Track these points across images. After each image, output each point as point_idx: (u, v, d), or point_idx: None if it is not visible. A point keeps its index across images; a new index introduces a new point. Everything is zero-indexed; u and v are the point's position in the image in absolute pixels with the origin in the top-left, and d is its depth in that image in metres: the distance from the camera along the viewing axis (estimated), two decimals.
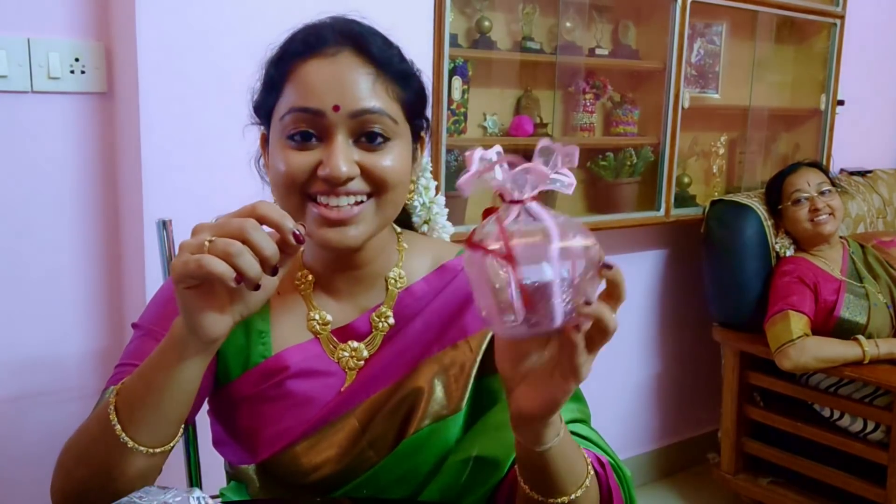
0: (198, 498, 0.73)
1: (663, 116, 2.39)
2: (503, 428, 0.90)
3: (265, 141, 0.95)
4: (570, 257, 0.66)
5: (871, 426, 2.07)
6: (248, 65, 1.73)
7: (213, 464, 1.33)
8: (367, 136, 0.86)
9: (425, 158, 1.03)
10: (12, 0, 1.50)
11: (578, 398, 0.97)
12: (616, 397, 2.56)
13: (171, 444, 0.80)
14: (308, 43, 0.88)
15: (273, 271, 0.72)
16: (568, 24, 2.25)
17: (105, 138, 1.62)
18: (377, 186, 0.87)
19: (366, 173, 0.86)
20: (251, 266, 0.70)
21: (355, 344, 0.96)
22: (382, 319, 0.96)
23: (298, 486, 0.94)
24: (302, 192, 0.87)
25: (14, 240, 1.55)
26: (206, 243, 0.70)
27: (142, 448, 0.77)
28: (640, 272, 2.58)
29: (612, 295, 0.68)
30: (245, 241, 0.70)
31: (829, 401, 2.15)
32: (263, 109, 0.93)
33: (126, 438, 0.77)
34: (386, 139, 0.87)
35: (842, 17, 2.82)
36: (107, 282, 1.66)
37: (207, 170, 1.59)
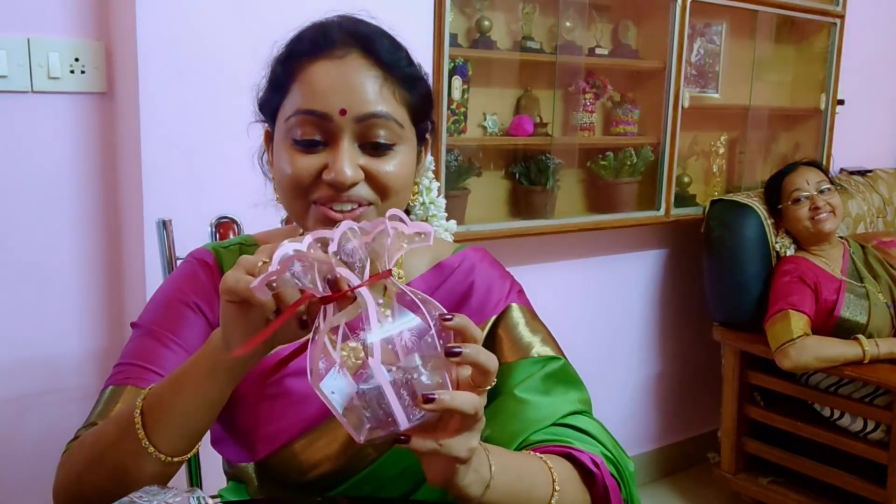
0: (198, 498, 0.73)
1: (663, 116, 2.39)
2: (501, 415, 0.92)
3: (269, 138, 0.95)
4: (404, 352, 0.63)
5: (871, 426, 2.07)
6: (248, 64, 1.72)
7: (213, 464, 1.33)
8: (373, 141, 0.86)
9: (429, 159, 1.03)
10: (12, 0, 1.50)
11: (577, 386, 0.97)
12: (616, 397, 2.56)
13: (188, 456, 0.81)
14: (316, 43, 0.87)
15: (302, 324, 0.70)
16: (568, 24, 2.25)
17: (105, 138, 1.62)
18: (381, 193, 0.87)
19: (370, 178, 0.86)
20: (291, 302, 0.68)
21: (353, 343, 0.96)
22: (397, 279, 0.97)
23: (297, 484, 0.95)
24: (306, 195, 0.87)
25: (14, 239, 1.55)
26: (260, 264, 0.69)
27: (161, 455, 0.77)
28: (640, 272, 2.58)
29: (468, 338, 0.66)
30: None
31: (829, 400, 2.15)
32: (268, 108, 0.92)
33: (147, 444, 0.77)
34: (391, 144, 0.87)
35: (842, 17, 2.82)
36: (107, 282, 1.66)
37: (207, 170, 1.59)
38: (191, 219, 1.39)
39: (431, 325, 0.64)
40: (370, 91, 0.85)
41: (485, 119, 2.18)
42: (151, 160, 1.54)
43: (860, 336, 2.07)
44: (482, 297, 0.99)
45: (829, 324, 2.14)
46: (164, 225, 1.30)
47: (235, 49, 1.59)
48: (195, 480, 1.27)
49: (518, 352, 0.97)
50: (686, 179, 2.63)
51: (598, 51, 2.34)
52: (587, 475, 0.85)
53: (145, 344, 0.93)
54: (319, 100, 0.84)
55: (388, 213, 0.67)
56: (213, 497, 0.74)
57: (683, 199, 2.58)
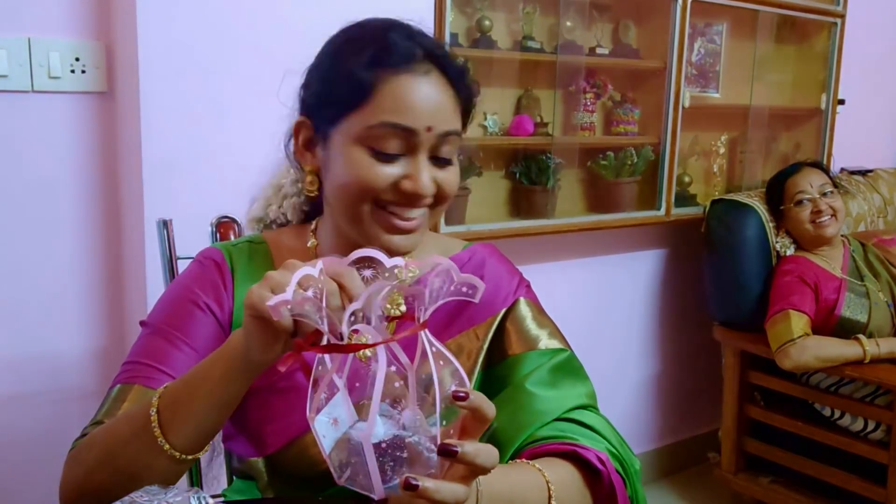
0: (198, 498, 0.73)
1: (664, 116, 2.39)
2: (509, 406, 0.93)
3: (304, 130, 0.96)
4: (400, 420, 0.62)
5: (871, 425, 2.07)
6: (248, 64, 1.73)
7: (213, 464, 1.33)
8: (440, 156, 0.91)
9: None
10: (13, 0, 1.50)
11: (583, 379, 0.99)
12: (616, 396, 2.56)
13: (199, 454, 0.82)
14: (402, 56, 0.89)
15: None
16: (568, 24, 2.25)
17: (105, 138, 1.62)
18: (440, 199, 0.93)
19: (438, 188, 0.91)
20: (309, 329, 0.69)
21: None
22: (395, 307, 0.98)
23: (307, 478, 0.95)
24: (374, 199, 0.90)
25: (14, 239, 1.56)
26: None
27: (175, 453, 0.79)
28: (641, 272, 2.58)
29: (478, 418, 0.65)
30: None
31: (829, 400, 2.15)
32: (332, 107, 0.91)
33: (163, 441, 0.79)
34: (449, 159, 0.92)
35: (842, 17, 2.82)
36: (107, 281, 1.66)
37: (208, 169, 1.59)
38: (191, 219, 1.39)
39: (437, 405, 0.62)
40: (449, 109, 0.91)
41: (485, 119, 2.18)
42: (152, 160, 1.54)
43: (860, 336, 2.07)
44: (491, 291, 1.01)
45: (829, 323, 2.14)
46: (165, 225, 1.30)
47: (236, 49, 1.59)
48: (195, 480, 1.27)
49: (525, 344, 0.99)
50: (686, 179, 2.63)
51: (598, 50, 2.34)
52: (592, 473, 0.85)
53: (154, 343, 0.94)
54: (409, 115, 0.87)
55: (438, 265, 0.66)
56: (213, 497, 0.74)
57: (684, 198, 2.58)
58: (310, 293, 0.65)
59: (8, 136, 1.52)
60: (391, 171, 0.88)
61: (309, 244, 1.01)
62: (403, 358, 0.65)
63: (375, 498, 0.62)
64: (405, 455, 0.62)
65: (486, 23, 2.10)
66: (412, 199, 0.89)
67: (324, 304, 0.65)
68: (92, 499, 0.83)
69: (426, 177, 0.88)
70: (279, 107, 1.58)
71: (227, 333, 0.97)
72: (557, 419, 0.92)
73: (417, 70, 0.89)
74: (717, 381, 2.45)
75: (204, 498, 0.73)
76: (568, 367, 0.98)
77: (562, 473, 0.83)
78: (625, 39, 2.42)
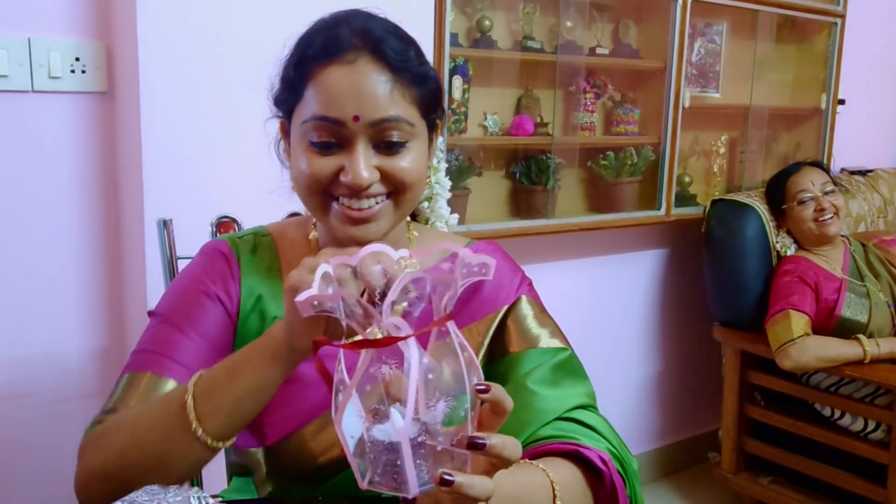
0: (198, 498, 0.73)
1: (664, 116, 2.39)
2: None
3: (285, 130, 0.98)
4: (429, 398, 0.62)
5: (871, 425, 2.07)
6: (248, 64, 1.73)
7: (214, 464, 1.33)
8: (387, 142, 0.89)
9: (439, 139, 1.05)
10: (13, 0, 1.50)
11: (584, 379, 0.99)
12: (616, 396, 2.56)
13: (229, 443, 0.82)
14: (326, 47, 0.89)
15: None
16: (568, 24, 2.25)
17: (105, 138, 1.62)
18: (396, 187, 0.91)
19: (385, 176, 0.90)
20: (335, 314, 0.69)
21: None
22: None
23: (305, 471, 0.95)
24: (324, 192, 0.91)
25: (14, 239, 1.56)
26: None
27: (207, 439, 0.79)
28: (641, 272, 2.58)
29: (498, 412, 0.66)
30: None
31: (829, 400, 2.15)
32: (283, 106, 0.96)
33: (197, 426, 0.79)
34: (404, 142, 0.90)
35: (842, 17, 2.82)
36: (107, 281, 1.66)
37: (208, 169, 1.59)
38: (191, 218, 1.39)
39: (467, 388, 0.63)
40: (381, 96, 0.88)
41: (485, 119, 2.18)
42: (152, 160, 1.54)
43: (861, 336, 2.07)
44: (494, 288, 1.01)
45: (829, 323, 2.14)
46: (165, 224, 1.30)
47: (236, 49, 1.59)
48: (195, 480, 1.27)
49: (526, 342, 0.99)
50: (687, 179, 2.63)
51: (598, 50, 2.34)
52: (593, 473, 0.86)
53: (163, 332, 0.94)
54: (333, 107, 0.87)
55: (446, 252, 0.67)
56: (213, 496, 0.74)
57: (684, 198, 2.58)
58: (331, 290, 0.65)
59: (8, 136, 1.52)
60: (330, 163, 0.89)
61: (311, 236, 1.03)
62: (424, 358, 0.64)
63: (409, 497, 0.61)
64: (429, 453, 0.62)
65: (487, 23, 2.10)
66: (354, 190, 0.88)
67: (343, 299, 0.64)
68: (115, 483, 0.82)
69: (360, 167, 0.87)
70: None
71: (234, 323, 0.98)
72: (558, 418, 0.92)
73: (344, 60, 0.87)
74: (718, 381, 2.45)
75: (204, 498, 0.73)
76: (569, 367, 0.98)
77: (565, 473, 0.83)
78: (625, 39, 2.42)
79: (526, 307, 1.02)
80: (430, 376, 0.63)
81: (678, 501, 2.59)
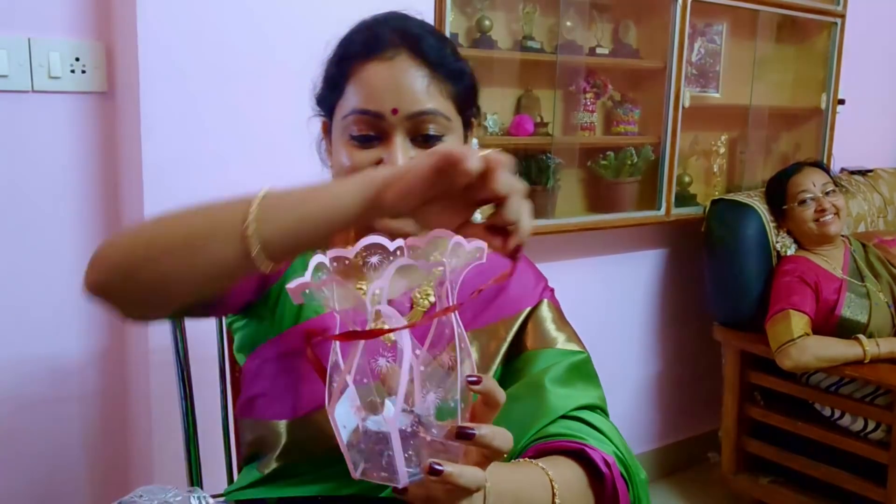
0: (198, 498, 0.73)
1: (664, 115, 2.39)
2: (524, 400, 0.95)
3: (327, 129, 1.02)
4: (422, 388, 0.63)
5: (871, 425, 2.07)
6: (248, 64, 1.73)
7: (214, 464, 1.33)
8: (423, 135, 0.92)
9: (473, 142, 1.09)
10: (13, 0, 1.50)
11: (597, 384, 1.01)
12: (616, 396, 2.56)
13: (263, 266, 0.75)
14: (367, 45, 0.93)
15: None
16: (568, 24, 2.25)
17: (105, 138, 1.62)
18: None
19: None
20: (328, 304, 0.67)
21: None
22: (424, 297, 1.00)
23: (324, 450, 0.94)
24: None
25: (14, 239, 1.55)
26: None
27: (253, 241, 0.73)
28: (641, 271, 2.58)
29: (490, 404, 0.67)
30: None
31: (829, 400, 2.15)
32: (325, 104, 0.99)
33: (251, 222, 0.73)
34: (440, 136, 0.93)
35: (842, 17, 2.82)
36: None
37: (208, 170, 1.59)
38: None
39: (459, 382, 0.63)
40: (419, 90, 0.91)
41: (485, 119, 2.18)
42: (152, 160, 1.54)
43: (861, 336, 2.07)
44: (518, 290, 1.04)
45: (829, 323, 2.14)
46: None
47: (236, 49, 1.59)
48: (195, 480, 1.28)
49: (543, 342, 1.02)
50: (687, 179, 2.63)
51: (598, 50, 2.34)
52: (597, 475, 0.86)
53: None
54: (373, 100, 0.90)
55: (452, 241, 0.67)
56: (213, 496, 0.74)
57: (684, 198, 2.58)
58: (325, 277, 0.64)
59: (8, 136, 1.52)
60: (369, 156, 0.92)
61: None
62: (417, 349, 0.66)
63: (399, 486, 0.62)
64: (421, 444, 0.62)
65: (487, 23, 2.10)
66: None
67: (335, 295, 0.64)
68: (127, 272, 0.79)
69: (399, 158, 0.90)
70: (279, 106, 1.59)
71: (265, 289, 0.99)
72: (566, 416, 0.93)
73: (383, 56, 0.91)
74: (717, 381, 2.45)
75: (204, 498, 0.73)
76: (584, 370, 1.01)
77: (566, 473, 0.84)
78: (625, 39, 2.42)
79: (546, 311, 1.05)
80: (423, 368, 0.64)
81: (678, 501, 2.59)
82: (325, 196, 0.74)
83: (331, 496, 0.96)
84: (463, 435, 0.63)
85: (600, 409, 0.98)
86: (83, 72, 1.56)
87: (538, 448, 0.88)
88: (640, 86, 2.46)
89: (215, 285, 0.80)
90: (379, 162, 0.92)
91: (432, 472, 0.61)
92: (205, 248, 0.75)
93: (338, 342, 0.65)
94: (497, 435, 0.65)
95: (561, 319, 1.06)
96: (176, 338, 1.25)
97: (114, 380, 1.69)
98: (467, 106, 0.99)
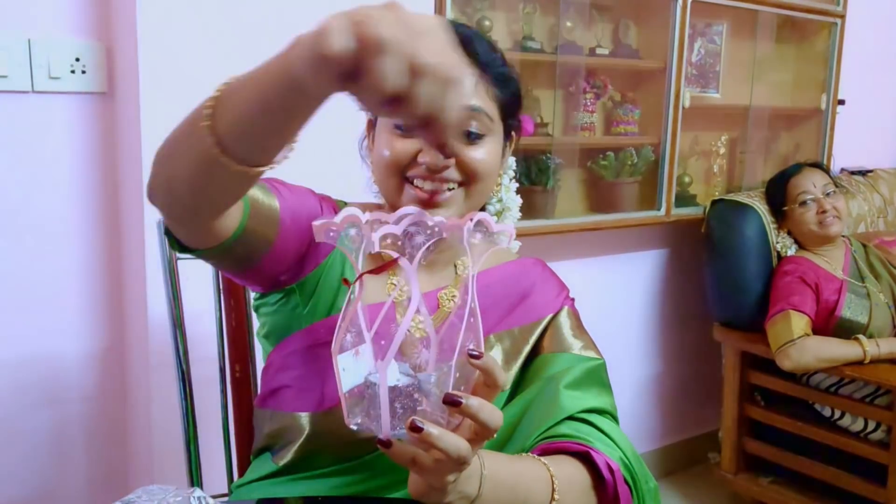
0: (198, 498, 0.73)
1: (664, 116, 2.39)
2: (538, 401, 0.97)
3: (371, 126, 1.04)
4: (418, 368, 0.64)
5: (871, 426, 2.07)
6: (248, 64, 1.72)
7: (214, 464, 1.33)
8: (466, 131, 0.95)
9: (511, 159, 1.13)
10: (13, 0, 1.50)
11: (610, 392, 1.03)
12: (617, 397, 2.55)
13: (258, 169, 0.72)
14: None
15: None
16: (568, 24, 2.25)
17: (106, 138, 1.62)
18: (468, 176, 0.96)
19: (460, 164, 0.95)
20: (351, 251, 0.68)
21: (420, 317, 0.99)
22: (450, 298, 1.02)
23: (346, 441, 0.95)
24: (402, 174, 0.96)
25: (14, 240, 1.56)
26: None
27: (207, 133, 0.71)
28: (641, 272, 2.58)
29: (490, 384, 0.68)
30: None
31: (829, 400, 2.15)
32: None
33: (207, 116, 0.71)
34: (481, 135, 0.96)
35: (842, 17, 2.82)
36: (107, 282, 1.66)
37: None
38: None
39: (454, 357, 0.64)
40: (466, 86, 0.89)
41: None
42: (152, 160, 1.53)
43: (861, 336, 2.07)
44: (540, 297, 1.08)
45: (829, 324, 2.14)
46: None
47: (236, 49, 1.59)
48: (195, 480, 1.28)
49: (560, 347, 1.04)
50: (687, 179, 2.63)
51: (598, 51, 2.34)
52: (601, 479, 0.86)
53: (277, 183, 0.98)
54: None
55: (473, 216, 0.70)
56: (214, 497, 0.74)
57: (684, 198, 2.58)
58: (353, 232, 0.66)
59: (8, 136, 1.52)
60: (411, 145, 0.94)
61: None
62: (422, 313, 0.67)
63: (381, 437, 0.63)
64: (416, 406, 0.63)
65: (486, 23, 2.10)
66: (430, 171, 0.93)
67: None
68: (160, 186, 0.84)
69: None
70: None
71: (303, 274, 0.99)
72: (574, 418, 0.93)
73: None
74: (718, 381, 2.45)
75: (204, 498, 0.73)
76: (597, 376, 1.02)
77: (569, 472, 0.84)
78: (625, 40, 2.42)
79: (566, 318, 1.07)
80: (420, 352, 0.66)
81: (678, 502, 2.59)
82: (273, 67, 0.66)
83: (333, 496, 0.96)
84: (450, 401, 0.63)
85: (610, 414, 0.99)
86: (83, 72, 1.57)
87: (544, 447, 0.89)
88: (640, 86, 2.46)
89: (212, 191, 0.77)
90: (416, 153, 0.94)
91: (412, 427, 0.62)
92: (184, 149, 0.77)
93: (357, 287, 0.66)
94: (484, 408, 0.65)
95: (579, 327, 1.08)
96: (176, 338, 1.25)
97: (114, 380, 1.69)
98: (510, 113, 1.01)
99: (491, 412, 0.65)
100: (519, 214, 1.18)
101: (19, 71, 1.50)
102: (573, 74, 2.27)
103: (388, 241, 0.66)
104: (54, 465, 1.62)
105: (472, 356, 0.65)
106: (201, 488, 0.76)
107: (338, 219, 0.65)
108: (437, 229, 0.68)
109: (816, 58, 2.89)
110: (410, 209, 0.70)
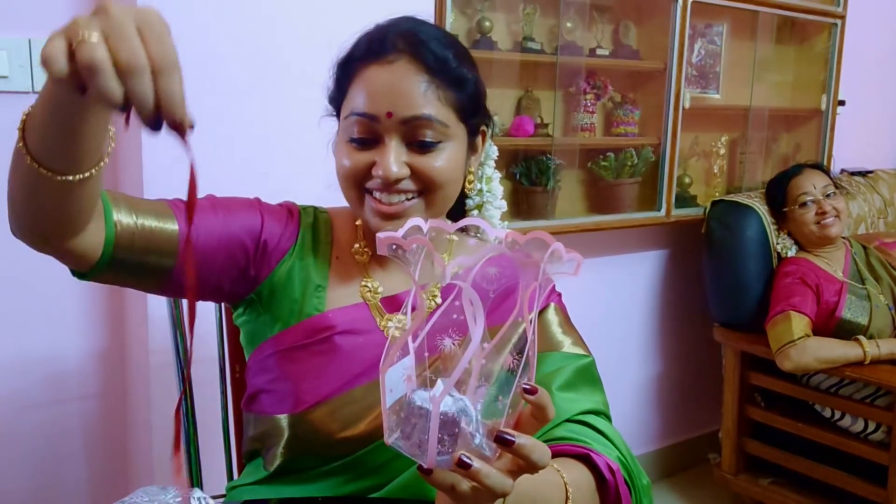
0: (198, 498, 0.73)
1: (664, 116, 2.39)
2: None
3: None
4: (476, 381, 0.63)
5: (871, 426, 2.07)
6: (248, 65, 1.73)
7: (214, 464, 1.33)
8: (419, 141, 0.94)
9: (492, 148, 1.11)
10: (13, 0, 1.50)
11: (601, 389, 1.02)
12: (617, 397, 2.55)
13: (46, 172, 0.77)
14: (370, 48, 0.95)
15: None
16: (568, 25, 2.25)
17: None
18: (426, 185, 0.95)
19: (415, 174, 0.94)
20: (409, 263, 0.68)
21: (401, 315, 1.00)
22: (430, 298, 1.02)
23: (325, 442, 0.96)
24: (360, 186, 0.96)
25: (14, 239, 1.55)
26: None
27: (25, 152, 0.77)
28: (641, 272, 2.58)
29: (538, 418, 0.67)
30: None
31: (829, 401, 2.15)
32: (334, 104, 1.03)
33: (20, 138, 0.77)
34: (436, 142, 0.94)
35: (842, 18, 2.82)
36: None
37: (207, 171, 1.58)
38: None
39: (510, 395, 0.63)
40: (415, 94, 0.92)
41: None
42: (152, 161, 1.54)
43: (861, 337, 2.07)
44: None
45: (830, 325, 2.14)
46: None
47: (236, 50, 1.59)
48: (195, 480, 1.28)
49: (550, 345, 1.02)
50: (687, 180, 2.63)
51: (598, 51, 2.34)
52: (601, 479, 0.86)
53: (202, 202, 1.00)
54: (370, 103, 0.92)
55: (551, 246, 0.67)
56: (214, 497, 0.74)
57: (684, 199, 2.58)
58: (414, 246, 0.66)
59: (8, 137, 1.52)
60: (365, 158, 0.94)
61: (357, 222, 1.07)
62: (486, 342, 0.66)
63: (424, 465, 0.62)
64: (459, 434, 0.62)
65: (487, 24, 2.10)
66: (385, 184, 0.93)
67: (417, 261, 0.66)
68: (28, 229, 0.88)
69: (390, 161, 0.91)
70: (279, 107, 1.59)
71: (262, 247, 1.01)
72: (571, 420, 0.94)
73: (385, 60, 0.93)
74: (718, 382, 2.45)
75: (203, 498, 0.73)
76: (588, 374, 1.02)
77: (577, 475, 0.84)
78: (625, 40, 2.42)
79: (553, 315, 1.06)
80: (485, 362, 0.64)
81: (678, 502, 2.58)
82: (46, 84, 0.73)
83: (331, 496, 0.96)
84: (502, 440, 0.62)
85: (604, 413, 0.99)
86: None
87: None
88: (641, 87, 2.46)
89: (49, 207, 0.82)
90: (372, 165, 0.93)
91: (461, 464, 0.61)
92: (14, 172, 0.81)
93: (409, 311, 0.66)
94: (536, 449, 0.64)
95: (567, 324, 1.07)
96: (176, 338, 1.25)
97: (114, 380, 1.69)
98: (471, 114, 0.99)
99: (542, 453, 0.65)
100: (503, 203, 1.15)
101: (19, 72, 1.50)
102: (573, 75, 2.27)
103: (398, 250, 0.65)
104: (54, 465, 1.62)
105: (525, 391, 0.65)
106: (201, 489, 0.76)
107: (401, 233, 0.65)
108: (507, 272, 0.66)
109: (816, 58, 2.89)
110: (475, 220, 0.71)
